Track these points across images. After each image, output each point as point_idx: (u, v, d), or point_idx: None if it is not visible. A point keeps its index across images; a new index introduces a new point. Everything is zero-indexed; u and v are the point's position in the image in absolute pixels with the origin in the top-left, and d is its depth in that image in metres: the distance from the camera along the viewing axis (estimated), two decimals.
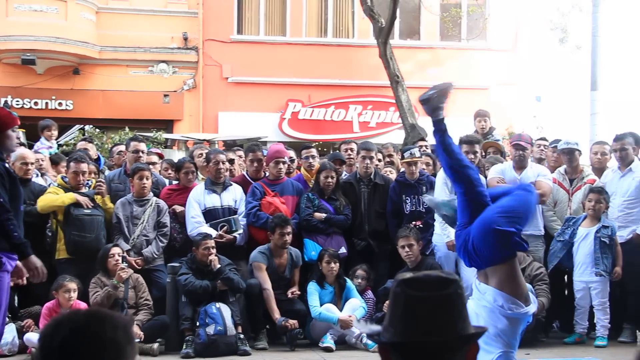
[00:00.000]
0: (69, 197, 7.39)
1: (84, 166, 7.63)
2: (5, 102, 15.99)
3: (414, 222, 7.80)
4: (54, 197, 7.38)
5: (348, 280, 7.63)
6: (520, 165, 7.88)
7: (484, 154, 8.63)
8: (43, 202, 7.36)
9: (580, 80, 17.84)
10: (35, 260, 5.11)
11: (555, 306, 7.62)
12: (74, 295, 6.82)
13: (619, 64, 23.74)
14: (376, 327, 2.16)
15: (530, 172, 7.85)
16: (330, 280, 7.54)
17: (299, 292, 7.51)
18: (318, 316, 7.30)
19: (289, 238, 7.45)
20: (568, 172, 8.15)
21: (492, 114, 10.15)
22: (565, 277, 8.00)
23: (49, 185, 7.89)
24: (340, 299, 7.53)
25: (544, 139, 9.54)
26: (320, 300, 7.41)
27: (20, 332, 6.87)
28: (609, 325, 7.43)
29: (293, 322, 7.17)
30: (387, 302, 6.87)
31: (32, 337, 6.69)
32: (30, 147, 9.79)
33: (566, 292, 8.05)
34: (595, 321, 7.58)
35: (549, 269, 7.64)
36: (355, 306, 7.39)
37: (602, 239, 7.43)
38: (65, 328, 1.69)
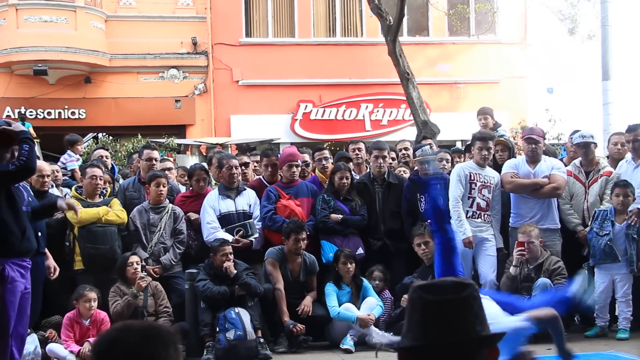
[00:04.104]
0: (104, 210, 7.46)
1: (98, 171, 7.66)
2: (20, 113, 16.12)
3: (429, 220, 7.77)
4: (94, 211, 7.39)
5: (364, 280, 7.62)
6: (533, 159, 7.82)
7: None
8: (87, 215, 7.29)
9: (592, 70, 17.76)
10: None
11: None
12: (94, 304, 6.87)
13: (630, 53, 23.59)
14: (394, 338, 2.18)
15: (544, 165, 7.80)
16: (347, 281, 7.54)
17: (309, 309, 7.36)
18: (337, 316, 7.30)
19: (303, 244, 7.42)
20: (583, 165, 8.07)
21: (504, 108, 10.10)
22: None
23: (65, 196, 7.91)
24: (358, 298, 7.51)
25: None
26: (338, 301, 7.40)
27: (43, 342, 6.90)
28: (632, 317, 7.38)
29: (301, 327, 7.14)
30: (405, 298, 6.89)
31: (55, 347, 6.75)
32: (56, 160, 9.91)
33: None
34: (617, 314, 7.51)
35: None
36: (372, 305, 7.37)
37: (633, 235, 7.36)
38: (121, 349, 1.70)
